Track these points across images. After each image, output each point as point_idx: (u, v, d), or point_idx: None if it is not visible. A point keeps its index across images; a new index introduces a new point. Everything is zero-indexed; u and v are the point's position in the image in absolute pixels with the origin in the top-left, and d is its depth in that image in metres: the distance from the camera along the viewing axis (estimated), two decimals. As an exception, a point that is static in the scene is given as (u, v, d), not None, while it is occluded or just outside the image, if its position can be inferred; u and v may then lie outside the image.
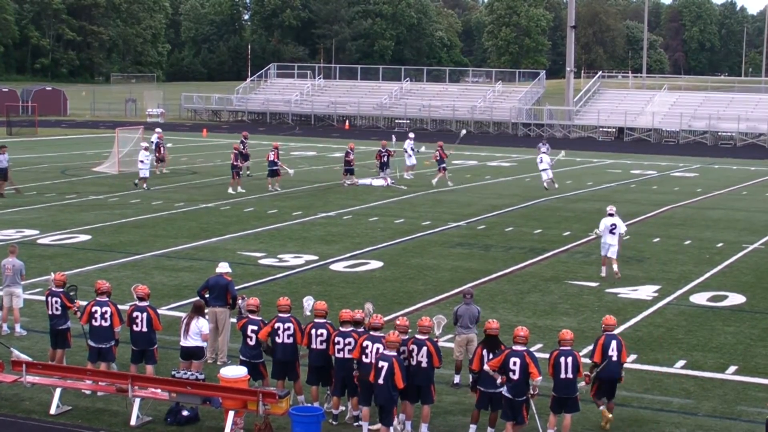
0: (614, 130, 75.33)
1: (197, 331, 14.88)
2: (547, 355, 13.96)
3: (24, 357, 14.98)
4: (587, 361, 14.42)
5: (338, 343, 13.84)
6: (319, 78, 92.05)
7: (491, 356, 13.35)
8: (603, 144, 70.00)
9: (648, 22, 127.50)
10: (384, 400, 13.06)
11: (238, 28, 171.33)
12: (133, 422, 13.68)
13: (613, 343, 13.95)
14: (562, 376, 13.29)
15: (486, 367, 13.24)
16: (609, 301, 21.32)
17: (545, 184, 40.16)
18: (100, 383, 14.29)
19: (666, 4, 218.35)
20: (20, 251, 19.92)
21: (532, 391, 13.13)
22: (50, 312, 15.78)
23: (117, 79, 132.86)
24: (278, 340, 14.27)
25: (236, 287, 16.94)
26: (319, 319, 14.23)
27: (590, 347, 17.45)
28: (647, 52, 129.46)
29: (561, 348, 13.41)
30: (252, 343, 14.41)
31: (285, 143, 56.70)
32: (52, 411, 14.08)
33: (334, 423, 13.94)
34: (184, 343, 14.93)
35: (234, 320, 15.97)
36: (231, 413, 13.30)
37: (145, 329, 14.97)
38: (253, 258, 24.89)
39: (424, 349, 13.37)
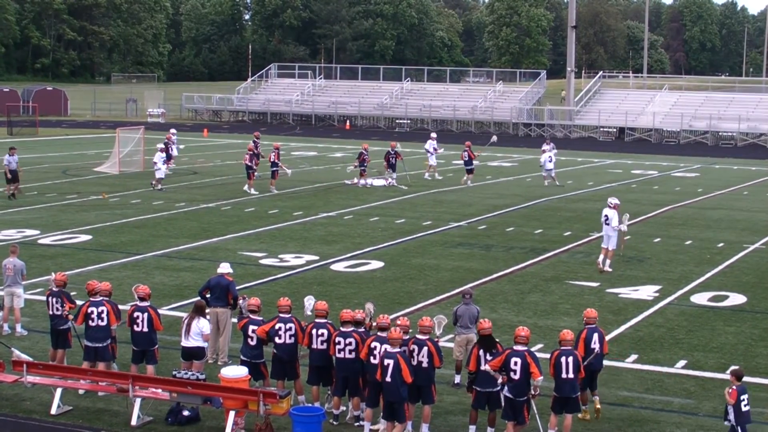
0: (615, 130, 75.34)
1: (198, 332, 14.89)
2: (548, 355, 13.96)
3: (25, 357, 14.98)
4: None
5: (339, 343, 13.83)
6: (320, 78, 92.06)
7: (488, 356, 13.35)
8: (604, 144, 70.00)
9: (649, 22, 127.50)
10: (393, 396, 13.04)
11: (239, 28, 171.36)
12: (133, 422, 13.68)
13: (595, 336, 14.22)
14: (563, 376, 13.29)
15: (487, 367, 13.24)
16: (610, 301, 21.32)
17: (546, 182, 40.57)
18: (100, 383, 14.29)
19: (667, 4, 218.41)
20: (21, 251, 19.92)
21: (533, 391, 13.13)
22: (51, 312, 15.78)
23: (118, 79, 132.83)
24: (279, 340, 14.28)
25: (237, 287, 16.94)
26: (319, 319, 14.23)
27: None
28: (648, 52, 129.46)
29: (562, 348, 13.41)
30: (253, 343, 14.41)
31: (286, 143, 56.69)
32: (53, 411, 14.08)
33: (334, 423, 13.94)
34: (185, 343, 14.93)
35: (235, 320, 15.97)
36: (232, 413, 13.31)
37: (146, 329, 14.97)
38: (254, 258, 24.89)
39: (425, 349, 13.37)
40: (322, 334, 14.06)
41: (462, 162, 42.45)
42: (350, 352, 13.76)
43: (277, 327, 14.29)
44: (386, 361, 13.01)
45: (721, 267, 25.26)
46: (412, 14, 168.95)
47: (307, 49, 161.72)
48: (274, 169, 37.85)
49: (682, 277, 23.79)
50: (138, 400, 13.79)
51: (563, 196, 38.65)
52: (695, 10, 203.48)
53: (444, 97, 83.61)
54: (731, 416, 12.51)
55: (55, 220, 30.03)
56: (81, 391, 14.67)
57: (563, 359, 13.29)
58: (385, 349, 13.27)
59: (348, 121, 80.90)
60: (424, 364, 13.36)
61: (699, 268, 25.01)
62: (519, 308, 20.52)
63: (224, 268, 16.84)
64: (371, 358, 13.47)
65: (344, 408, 14.18)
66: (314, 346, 14.12)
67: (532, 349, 13.70)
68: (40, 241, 26.62)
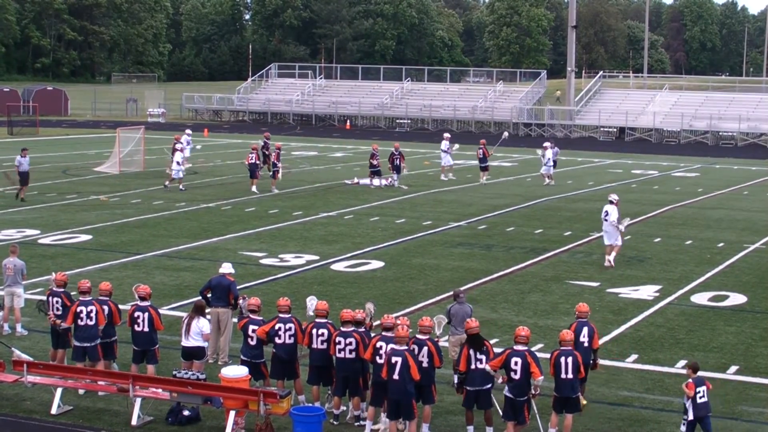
0: (615, 129, 75.35)
1: (198, 331, 14.89)
2: (548, 355, 13.96)
3: (25, 357, 14.99)
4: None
5: (339, 343, 13.83)
6: (320, 78, 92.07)
7: (478, 354, 13.34)
8: (604, 144, 70.00)
9: (649, 22, 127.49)
10: (401, 394, 13.02)
11: (239, 28, 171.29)
12: (134, 422, 13.68)
13: (585, 330, 14.41)
14: (563, 376, 13.29)
15: (487, 367, 13.24)
16: (610, 301, 21.32)
17: (547, 180, 41.10)
18: (100, 383, 14.29)
19: (667, 4, 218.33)
20: (21, 251, 19.92)
21: (533, 391, 13.13)
22: (52, 312, 15.78)
23: (118, 79, 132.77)
24: (279, 340, 14.28)
25: (237, 287, 16.93)
26: (320, 319, 14.23)
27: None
28: (648, 52, 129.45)
29: (561, 348, 13.41)
30: (253, 343, 14.42)
31: (286, 143, 56.66)
32: (53, 411, 14.08)
33: (335, 423, 13.94)
34: (185, 343, 14.93)
35: (235, 320, 15.97)
36: (232, 413, 13.31)
37: (146, 329, 14.98)
38: (254, 258, 24.90)
39: (425, 348, 13.37)
40: (323, 334, 14.06)
41: (477, 160, 42.97)
42: (350, 352, 13.76)
43: (276, 327, 14.29)
44: (394, 359, 13.01)
45: (721, 267, 25.26)
46: (413, 14, 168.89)
47: (307, 49, 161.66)
48: (275, 169, 37.87)
49: (682, 277, 23.79)
50: (138, 400, 13.79)
51: (563, 196, 38.65)
52: (695, 9, 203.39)
53: (444, 97, 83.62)
54: (690, 411, 12.73)
55: (55, 220, 30.03)
56: (81, 391, 14.67)
57: (563, 359, 13.29)
58: (392, 347, 13.27)
59: (348, 121, 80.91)
60: (425, 364, 13.36)
61: (699, 268, 25.01)
62: (519, 308, 20.52)
63: (226, 268, 16.85)
64: (377, 358, 13.45)
65: (344, 408, 14.18)
66: (314, 345, 14.12)
67: (533, 349, 13.70)
68: (40, 241, 26.63)
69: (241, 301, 15.75)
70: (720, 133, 72.63)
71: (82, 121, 79.60)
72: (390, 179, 40.20)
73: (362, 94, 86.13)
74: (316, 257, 25.06)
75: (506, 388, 13.18)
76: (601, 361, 16.85)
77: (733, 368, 16.77)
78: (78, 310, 15.00)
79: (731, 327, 19.39)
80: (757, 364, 17.12)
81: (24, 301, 18.35)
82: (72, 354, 15.27)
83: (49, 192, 36.19)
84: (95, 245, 26.30)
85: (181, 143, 40.55)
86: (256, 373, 14.34)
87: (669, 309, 20.77)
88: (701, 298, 21.75)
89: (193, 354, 14.90)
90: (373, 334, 14.02)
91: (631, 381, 15.95)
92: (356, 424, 13.91)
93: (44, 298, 16.14)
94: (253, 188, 37.15)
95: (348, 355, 13.77)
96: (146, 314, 14.98)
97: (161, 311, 16.33)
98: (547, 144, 43.32)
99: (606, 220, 24.85)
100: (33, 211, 31.92)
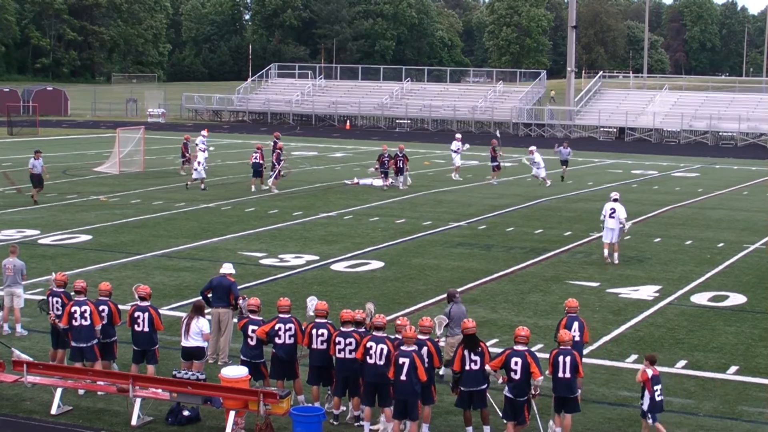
0: (615, 130, 75.33)
1: (198, 331, 14.88)
2: (548, 355, 13.96)
3: (25, 357, 14.98)
4: (586, 360, 14.43)
5: (339, 343, 13.83)
6: (320, 78, 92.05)
7: (472, 356, 13.34)
8: (604, 144, 70.00)
9: (649, 22, 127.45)
10: (407, 394, 13.03)
11: (239, 28, 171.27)
12: (134, 422, 13.68)
13: (575, 324, 14.67)
14: (560, 375, 13.30)
15: (487, 367, 13.24)
16: (610, 301, 21.32)
17: (548, 182, 41.27)
18: (100, 383, 14.29)
19: (667, 4, 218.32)
20: (21, 251, 19.94)
21: (533, 391, 13.13)
22: (51, 312, 15.78)
23: (118, 79, 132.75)
24: (279, 340, 14.28)
25: (238, 288, 16.92)
26: (319, 319, 14.23)
27: (591, 348, 17.55)
28: (648, 52, 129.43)
29: (560, 348, 13.42)
30: (253, 343, 14.42)
31: (286, 143, 56.60)
32: (53, 411, 14.08)
33: (335, 423, 13.94)
34: (185, 343, 14.93)
35: (235, 320, 15.97)
36: (232, 413, 13.31)
37: (146, 329, 14.98)
38: (254, 258, 24.90)
39: (425, 349, 13.37)
40: (322, 334, 14.06)
41: (489, 159, 43.29)
42: (350, 352, 13.76)
43: (276, 327, 14.29)
44: (401, 360, 13.01)
45: (721, 267, 25.26)
46: (412, 14, 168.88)
47: (307, 49, 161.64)
48: (276, 169, 37.85)
49: (682, 277, 23.79)
50: (138, 400, 13.79)
51: (563, 196, 38.65)
52: (695, 10, 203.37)
53: (444, 97, 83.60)
54: (645, 402, 13.17)
55: (55, 220, 30.03)
56: (81, 392, 14.67)
57: (560, 358, 13.30)
58: (384, 350, 13.31)
59: (348, 121, 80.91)
60: (425, 364, 13.35)
61: (699, 268, 25.01)
62: (519, 308, 20.52)
63: (227, 268, 16.86)
64: (367, 357, 13.47)
65: (344, 408, 14.18)
66: (314, 346, 14.12)
67: (532, 349, 13.70)
68: (40, 241, 26.63)
69: (241, 302, 15.75)
70: (720, 133, 72.62)
71: (82, 122, 79.60)
72: (391, 180, 40.01)
73: (362, 95, 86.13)
74: (316, 257, 25.06)
75: (506, 388, 13.18)
76: (601, 361, 16.91)
77: (733, 368, 16.77)
78: (72, 310, 14.99)
79: (731, 327, 19.39)
80: (757, 364, 17.12)
81: (24, 302, 18.35)
82: (69, 354, 15.26)
83: (49, 192, 36.14)
84: (95, 245, 26.31)
85: (198, 143, 41.36)
86: (256, 373, 14.34)
87: (669, 309, 20.77)
88: (701, 299, 21.75)
89: (193, 354, 14.90)
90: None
91: (631, 381, 15.92)
92: (356, 424, 13.91)
93: (45, 297, 16.13)
94: (253, 188, 37.20)
95: (348, 356, 13.77)
96: (146, 314, 14.97)
97: (161, 311, 16.32)
98: (532, 148, 43.26)
99: (612, 218, 25.10)
100: (33, 211, 31.92)
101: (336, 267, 24.12)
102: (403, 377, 12.98)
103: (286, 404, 13.24)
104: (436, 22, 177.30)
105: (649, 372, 13.24)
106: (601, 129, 75.34)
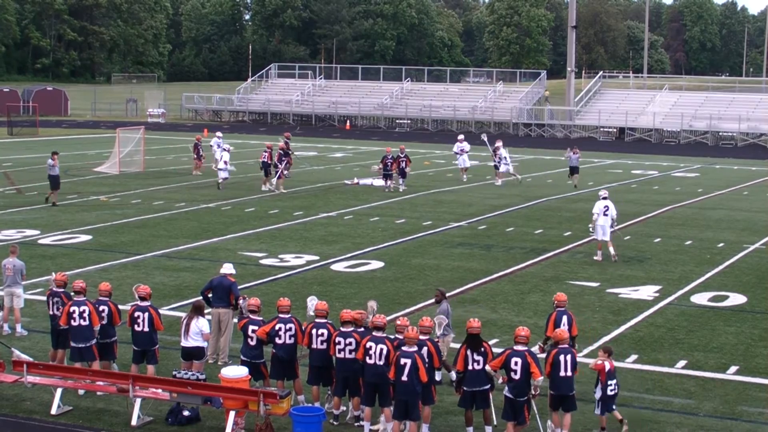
0: (615, 130, 75.34)
1: (198, 331, 14.88)
2: (546, 355, 13.96)
3: (25, 357, 14.98)
4: (583, 360, 14.41)
5: (339, 343, 13.84)
6: (320, 78, 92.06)
7: (475, 355, 13.35)
8: (604, 144, 70.00)
9: (649, 22, 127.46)
10: (408, 395, 13.03)
11: (239, 28, 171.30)
12: (134, 422, 13.68)
13: (564, 318, 14.92)
14: (562, 374, 13.33)
15: (487, 367, 13.24)
16: (610, 301, 21.32)
17: (500, 181, 41.70)
18: (100, 383, 14.29)
19: (667, 4, 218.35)
20: (21, 251, 19.94)
21: (533, 391, 13.13)
22: (51, 312, 15.79)
23: (118, 79, 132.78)
24: (279, 340, 14.28)
25: (238, 288, 16.92)
26: (319, 319, 14.24)
27: (591, 348, 17.56)
28: (648, 52, 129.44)
29: (560, 347, 13.42)
30: (253, 343, 14.42)
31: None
32: (53, 411, 14.08)
33: (335, 423, 13.94)
34: (184, 343, 14.92)
35: (235, 320, 15.97)
36: (232, 413, 13.31)
37: (146, 329, 14.97)
38: (254, 258, 24.90)
39: (425, 349, 13.36)
40: (322, 334, 14.06)
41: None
42: (350, 352, 13.76)
43: (277, 327, 14.29)
44: (403, 361, 13.00)
45: (721, 267, 25.26)
46: (412, 14, 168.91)
47: (307, 49, 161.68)
48: (277, 169, 37.81)
49: (682, 277, 23.79)
50: (138, 400, 13.79)
51: (563, 196, 38.65)
52: (695, 10, 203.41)
53: (444, 97, 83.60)
54: (597, 392, 13.52)
55: (55, 220, 30.03)
56: (81, 392, 14.67)
57: (561, 357, 13.32)
58: (384, 350, 13.31)
59: (348, 121, 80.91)
60: (425, 365, 13.34)
61: (699, 268, 25.01)
62: (519, 308, 20.52)
63: (227, 268, 16.86)
64: (367, 358, 13.47)
65: (344, 408, 14.18)
66: (314, 346, 14.12)
67: (532, 349, 13.70)
68: (40, 241, 26.63)
69: (241, 302, 15.75)
70: (720, 134, 72.62)
71: (82, 122, 79.61)
72: (388, 183, 39.68)
73: (362, 95, 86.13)
74: (316, 257, 25.06)
75: (506, 388, 13.18)
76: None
77: (733, 368, 16.77)
78: (71, 310, 14.97)
79: (731, 327, 19.39)
80: (757, 364, 17.12)
81: (24, 302, 18.35)
82: (69, 354, 15.26)
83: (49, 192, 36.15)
84: (95, 245, 26.31)
85: (213, 144, 42.54)
86: (256, 373, 14.34)
87: (669, 309, 20.77)
88: (701, 299, 21.75)
89: (193, 354, 14.90)
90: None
91: (631, 381, 15.94)
92: (356, 424, 13.91)
93: (44, 298, 16.12)
94: (263, 187, 37.44)
95: (348, 356, 13.77)
96: (146, 314, 14.97)
97: (161, 311, 16.32)
98: (498, 144, 43.37)
99: (606, 215, 25.51)
100: (33, 211, 31.92)
101: (336, 267, 24.12)
102: (404, 378, 12.98)
103: (286, 404, 13.25)
104: (436, 22, 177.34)
105: (607, 365, 13.52)
106: (601, 129, 75.35)
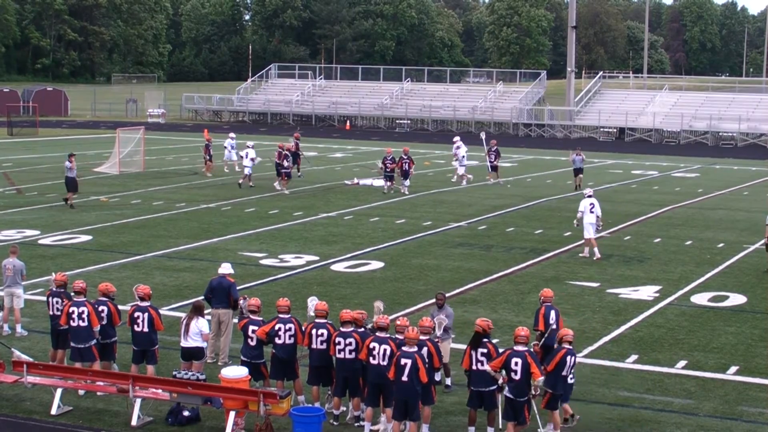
0: (615, 130, 75.38)
1: (197, 332, 14.88)
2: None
3: (25, 357, 14.98)
4: (583, 360, 14.40)
5: (339, 343, 13.83)
6: (320, 78, 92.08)
7: (478, 355, 13.34)
8: (604, 144, 70.01)
9: (649, 23, 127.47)
10: (408, 395, 13.02)
11: (239, 29, 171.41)
12: (134, 422, 13.68)
13: (552, 313, 15.13)
14: (564, 374, 13.34)
15: (487, 367, 13.24)
16: (610, 301, 21.32)
17: (462, 180, 41.83)
18: (100, 383, 14.28)
19: (667, 5, 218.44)
20: (21, 251, 19.93)
21: (533, 392, 13.13)
22: (51, 312, 15.78)
23: (118, 80, 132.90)
24: (279, 341, 14.28)
25: (237, 287, 16.93)
26: (319, 320, 14.23)
27: (591, 348, 17.57)
28: (648, 53, 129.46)
29: (567, 347, 13.40)
30: (253, 343, 14.41)
31: (286, 143, 56.58)
32: (53, 411, 14.08)
33: (335, 423, 13.93)
34: (184, 343, 14.92)
35: (235, 321, 15.97)
36: (232, 413, 13.31)
37: (146, 329, 14.96)
38: (254, 258, 24.90)
39: (425, 349, 13.35)
40: (322, 335, 14.06)
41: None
42: (350, 352, 13.75)
43: (276, 328, 14.29)
44: (403, 361, 13.00)
45: (721, 267, 25.26)
46: (412, 14, 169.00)
47: (307, 50, 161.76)
48: (283, 170, 37.76)
49: (682, 278, 23.80)
50: (138, 401, 13.79)
51: (563, 196, 38.65)
52: (695, 10, 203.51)
53: (444, 98, 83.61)
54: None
55: (55, 220, 30.03)
56: (81, 392, 14.67)
57: (569, 358, 13.34)
58: (387, 351, 13.31)
59: (348, 122, 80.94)
60: (425, 365, 13.33)
61: (699, 268, 25.01)
62: (519, 308, 20.52)
63: (225, 268, 16.85)
64: (370, 358, 13.47)
65: (344, 408, 14.17)
66: (314, 346, 14.12)
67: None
68: (40, 242, 26.63)
69: (241, 302, 15.75)
70: (720, 134, 72.64)
71: (82, 122, 79.63)
72: (391, 183, 39.40)
73: (362, 95, 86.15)
74: (316, 258, 25.06)
75: (506, 388, 13.18)
76: (601, 362, 16.91)
77: (733, 368, 16.76)
78: (70, 310, 14.97)
79: (731, 327, 19.39)
80: (757, 364, 17.11)
81: (24, 302, 18.35)
82: (70, 354, 15.26)
83: (49, 192, 36.19)
84: (95, 246, 26.30)
85: (227, 145, 43.65)
86: (256, 373, 14.33)
87: (669, 309, 20.77)
88: (701, 299, 21.75)
89: (192, 354, 14.89)
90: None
91: (631, 381, 15.95)
92: (356, 424, 13.91)
93: (44, 298, 16.12)
94: (278, 186, 37.68)
95: (348, 356, 13.77)
96: (146, 314, 14.96)
97: (161, 312, 16.31)
98: (456, 138, 43.42)
99: (592, 213, 25.92)
100: (33, 211, 31.92)
101: (336, 267, 24.11)
102: (404, 378, 12.98)
103: (286, 404, 13.24)
104: (436, 23, 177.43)
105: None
106: (601, 129, 75.37)
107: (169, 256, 25.16)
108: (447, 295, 21.24)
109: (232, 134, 46.09)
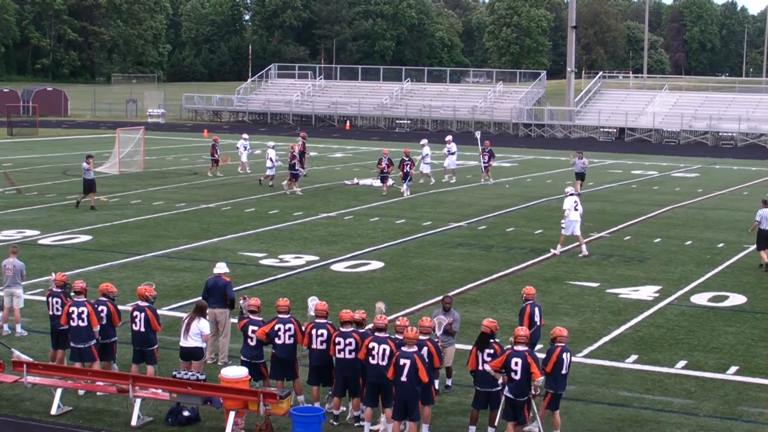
0: (615, 130, 75.35)
1: (198, 332, 14.87)
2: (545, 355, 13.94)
3: (25, 357, 14.98)
4: (582, 360, 14.38)
5: (339, 343, 13.83)
6: (320, 78, 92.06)
7: (484, 356, 13.34)
8: (604, 144, 70.00)
9: (649, 23, 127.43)
10: (408, 395, 13.02)
11: (239, 29, 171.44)
12: (134, 422, 13.68)
13: (536, 310, 15.57)
14: (564, 372, 13.35)
15: (487, 367, 13.24)
16: (610, 301, 21.31)
17: (446, 177, 42.33)
18: (100, 383, 14.28)
19: (667, 5, 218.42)
20: (21, 252, 19.93)
21: (533, 392, 13.13)
22: (51, 312, 15.78)
23: (118, 80, 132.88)
24: (279, 341, 14.28)
25: (237, 288, 16.97)
26: (319, 320, 14.23)
27: (591, 348, 17.57)
28: (648, 53, 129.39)
29: (563, 345, 13.40)
30: (253, 343, 14.41)
31: (286, 143, 56.59)
32: (53, 411, 14.08)
33: (335, 423, 13.93)
34: (183, 343, 14.91)
35: (235, 320, 15.97)
36: (232, 413, 13.31)
37: (142, 329, 14.95)
38: (254, 258, 24.89)
39: (425, 349, 13.35)
40: (322, 335, 14.06)
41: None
42: (350, 352, 13.76)
43: (276, 328, 14.28)
44: (402, 361, 12.99)
45: (721, 267, 25.26)
46: (412, 14, 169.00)
47: (307, 50, 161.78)
48: (294, 171, 37.68)
49: (682, 278, 23.79)
50: (138, 401, 13.79)
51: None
52: (695, 10, 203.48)
53: (444, 98, 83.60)
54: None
55: (55, 221, 30.03)
56: (81, 392, 14.67)
57: (565, 356, 13.35)
58: (386, 350, 13.31)
59: (348, 122, 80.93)
60: (425, 365, 13.33)
61: (699, 268, 25.01)
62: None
63: (220, 268, 16.84)
64: (370, 358, 13.47)
65: (344, 408, 14.17)
66: (314, 346, 14.12)
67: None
68: (40, 242, 26.62)
69: (241, 302, 15.74)
70: (720, 134, 72.62)
71: (82, 122, 79.62)
72: (392, 182, 39.27)
73: (362, 95, 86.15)
74: (316, 258, 25.05)
75: (506, 388, 13.18)
76: (601, 362, 16.91)
77: (733, 368, 16.76)
78: (70, 310, 14.97)
79: (731, 327, 19.39)
80: (757, 364, 17.11)
81: (24, 302, 18.35)
82: (69, 354, 15.26)
83: (49, 192, 36.19)
84: (95, 246, 26.30)
85: (240, 147, 43.97)
86: (256, 373, 14.33)
87: (669, 309, 20.76)
88: (701, 299, 21.75)
89: (192, 354, 14.89)
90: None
91: (630, 381, 15.95)
92: (356, 424, 13.91)
93: (44, 298, 16.12)
94: (287, 187, 37.55)
95: (348, 356, 13.77)
96: (143, 314, 14.95)
97: (161, 312, 16.32)
98: (449, 137, 43.38)
99: (577, 210, 26.22)
100: (33, 211, 31.91)
101: (336, 267, 24.11)
102: (404, 378, 12.98)
103: (286, 405, 13.24)
104: (435, 23, 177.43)
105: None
106: (601, 129, 75.35)
107: (169, 256, 25.16)
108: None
109: (245, 135, 45.96)
